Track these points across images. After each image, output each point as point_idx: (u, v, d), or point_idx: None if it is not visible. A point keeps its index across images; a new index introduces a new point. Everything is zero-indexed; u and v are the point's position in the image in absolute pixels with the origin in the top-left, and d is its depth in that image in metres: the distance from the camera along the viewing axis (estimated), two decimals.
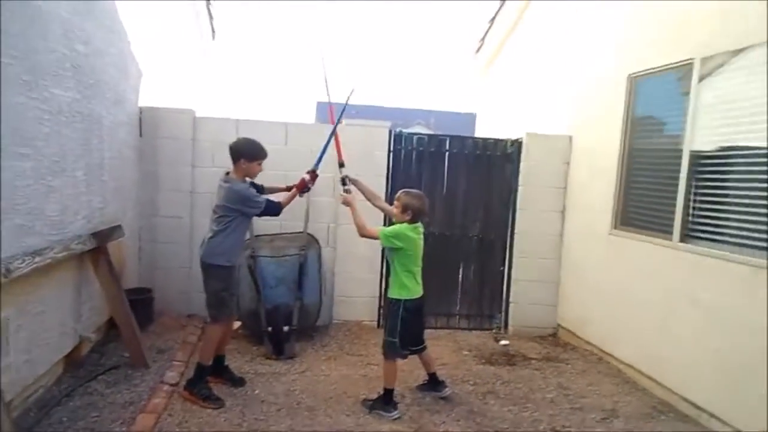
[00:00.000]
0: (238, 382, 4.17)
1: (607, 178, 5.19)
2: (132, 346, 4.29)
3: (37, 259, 3.17)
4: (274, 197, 4.02)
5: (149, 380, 4.03)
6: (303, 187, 4.04)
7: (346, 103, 4.11)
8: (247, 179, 3.94)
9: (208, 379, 3.94)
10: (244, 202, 3.80)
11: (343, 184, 4.07)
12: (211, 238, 3.85)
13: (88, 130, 4.07)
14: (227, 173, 3.90)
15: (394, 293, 3.88)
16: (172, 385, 3.99)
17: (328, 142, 4.13)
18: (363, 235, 3.89)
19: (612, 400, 4.32)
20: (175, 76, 7.21)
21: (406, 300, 3.84)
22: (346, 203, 3.96)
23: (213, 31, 9.06)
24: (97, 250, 4.09)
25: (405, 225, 3.81)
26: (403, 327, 3.84)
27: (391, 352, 3.88)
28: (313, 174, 4.06)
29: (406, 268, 3.84)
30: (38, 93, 3.29)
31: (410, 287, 3.85)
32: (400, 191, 3.93)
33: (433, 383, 4.21)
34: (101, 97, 4.31)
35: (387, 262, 5.25)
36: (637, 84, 4.94)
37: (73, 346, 4.04)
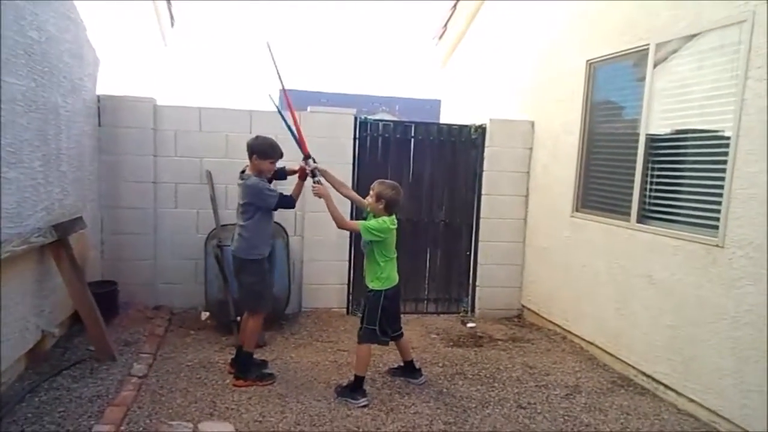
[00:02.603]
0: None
1: (568, 162, 5.33)
2: (97, 339, 4.22)
3: None
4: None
5: (117, 373, 3.98)
6: (303, 175, 4.01)
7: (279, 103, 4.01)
8: (263, 175, 3.97)
9: (254, 359, 4.14)
10: (257, 195, 3.88)
11: (313, 176, 3.95)
12: (240, 235, 3.97)
13: (44, 120, 3.95)
14: (242, 171, 4.00)
15: (375, 284, 3.90)
16: (140, 377, 3.94)
17: (289, 129, 4.02)
18: (342, 228, 3.97)
19: (575, 377, 4.48)
20: (134, 63, 7.01)
21: (386, 290, 3.89)
22: (319, 195, 3.85)
23: (171, 17, 8.78)
24: (58, 242, 3.98)
25: (386, 218, 3.81)
26: (384, 315, 3.89)
27: (369, 338, 3.90)
28: (305, 158, 3.97)
29: (386, 257, 3.89)
30: None
31: (391, 276, 3.92)
32: (376, 181, 3.93)
33: (410, 370, 4.26)
34: (57, 85, 4.18)
35: (357, 250, 5.27)
36: (596, 70, 5.06)
37: (36, 341, 3.95)
